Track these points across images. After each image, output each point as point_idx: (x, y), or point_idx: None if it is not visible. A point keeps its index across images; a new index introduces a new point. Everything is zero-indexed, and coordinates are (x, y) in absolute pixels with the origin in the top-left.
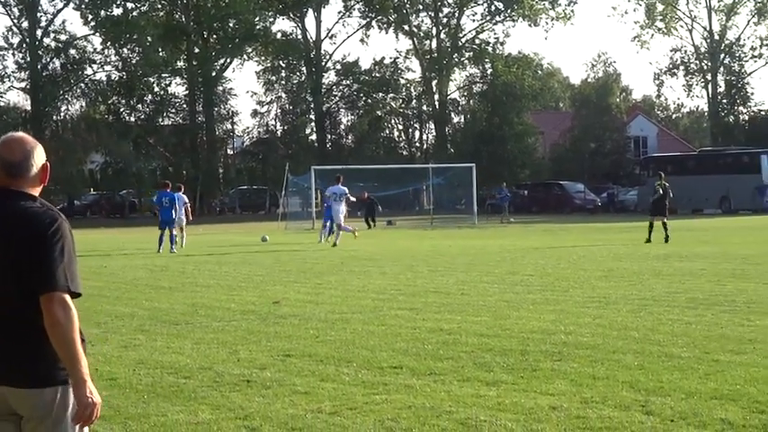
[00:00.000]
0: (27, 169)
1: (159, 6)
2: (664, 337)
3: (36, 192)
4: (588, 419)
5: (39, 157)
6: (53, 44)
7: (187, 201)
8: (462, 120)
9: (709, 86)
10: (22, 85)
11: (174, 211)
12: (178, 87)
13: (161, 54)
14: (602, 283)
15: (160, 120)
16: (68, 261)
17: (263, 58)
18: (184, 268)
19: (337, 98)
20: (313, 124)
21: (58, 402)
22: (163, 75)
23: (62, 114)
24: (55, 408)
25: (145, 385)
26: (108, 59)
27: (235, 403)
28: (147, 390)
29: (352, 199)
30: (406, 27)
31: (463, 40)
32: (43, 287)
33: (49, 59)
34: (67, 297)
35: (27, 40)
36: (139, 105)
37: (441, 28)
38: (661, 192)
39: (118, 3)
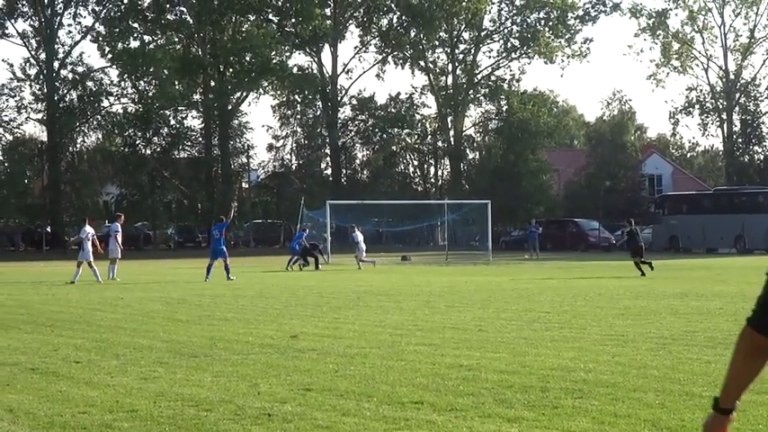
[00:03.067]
0: None
1: (176, 40)
2: (684, 375)
3: None
4: None
5: None
6: (70, 76)
7: (119, 230)
8: (477, 156)
9: (725, 126)
10: (39, 116)
11: (222, 242)
12: (194, 120)
13: (177, 87)
14: (619, 321)
15: (176, 152)
16: None
17: (278, 92)
18: (201, 301)
19: (353, 133)
20: (328, 159)
21: None
22: (179, 108)
23: (78, 146)
24: None
25: (166, 417)
26: (124, 92)
27: None
28: (168, 422)
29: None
30: (422, 63)
31: (479, 76)
32: None
33: (66, 91)
34: None
35: (44, 71)
36: (155, 138)
37: (457, 64)
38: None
39: (135, 35)
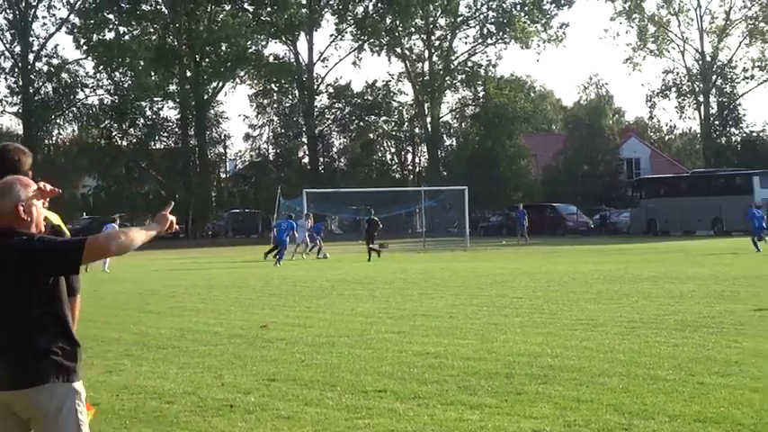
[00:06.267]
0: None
1: (151, 30)
2: (650, 359)
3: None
4: None
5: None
6: (45, 68)
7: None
8: (455, 142)
9: (702, 108)
10: (15, 109)
11: (287, 236)
12: (170, 111)
13: (153, 78)
14: (591, 306)
15: (152, 143)
16: None
17: (255, 81)
18: (174, 292)
19: (329, 121)
20: (305, 147)
21: None
22: (155, 98)
23: (54, 138)
24: None
25: (127, 410)
26: (100, 83)
27: (217, 428)
28: (128, 415)
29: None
30: (399, 50)
31: (455, 62)
32: None
33: (41, 84)
34: None
35: (19, 64)
36: (132, 129)
37: (433, 51)
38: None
39: (110, 27)
